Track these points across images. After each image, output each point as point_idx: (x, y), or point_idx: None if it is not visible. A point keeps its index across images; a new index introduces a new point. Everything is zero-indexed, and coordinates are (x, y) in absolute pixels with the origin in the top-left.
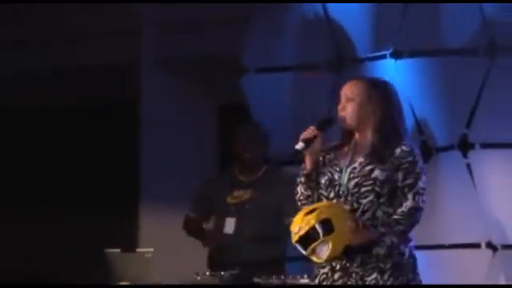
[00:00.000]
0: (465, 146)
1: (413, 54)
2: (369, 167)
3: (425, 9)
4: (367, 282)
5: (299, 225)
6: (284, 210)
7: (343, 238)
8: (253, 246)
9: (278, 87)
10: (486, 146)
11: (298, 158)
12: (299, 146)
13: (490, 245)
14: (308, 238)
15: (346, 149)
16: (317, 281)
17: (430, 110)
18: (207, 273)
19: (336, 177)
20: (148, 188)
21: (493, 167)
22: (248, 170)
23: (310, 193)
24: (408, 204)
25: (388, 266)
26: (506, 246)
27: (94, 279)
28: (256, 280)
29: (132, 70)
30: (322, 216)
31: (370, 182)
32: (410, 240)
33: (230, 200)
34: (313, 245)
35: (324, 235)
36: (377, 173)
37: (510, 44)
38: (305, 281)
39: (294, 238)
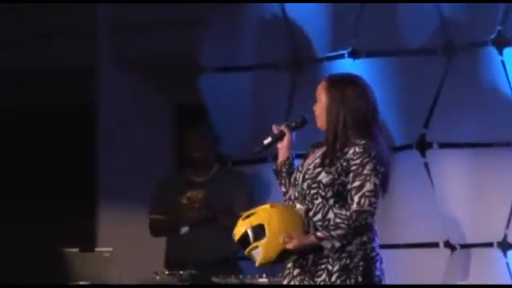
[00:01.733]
0: (423, 146)
1: (370, 53)
2: (317, 170)
3: (383, 9)
4: (317, 283)
5: (237, 228)
6: (236, 208)
7: (275, 243)
8: (207, 246)
9: (236, 87)
10: (443, 145)
11: (260, 155)
12: (266, 140)
13: (448, 244)
14: (244, 242)
15: (318, 148)
16: (281, 275)
17: (387, 109)
18: (166, 272)
19: (297, 176)
20: (106, 187)
21: (450, 167)
22: (200, 169)
23: (284, 189)
24: (353, 207)
25: (336, 268)
26: (464, 246)
27: (53, 279)
28: (214, 279)
29: (89, 70)
30: (256, 222)
31: (315, 185)
32: (364, 243)
33: (183, 201)
34: (247, 249)
35: (255, 241)
36: (321, 176)
37: (468, 44)
38: (263, 280)
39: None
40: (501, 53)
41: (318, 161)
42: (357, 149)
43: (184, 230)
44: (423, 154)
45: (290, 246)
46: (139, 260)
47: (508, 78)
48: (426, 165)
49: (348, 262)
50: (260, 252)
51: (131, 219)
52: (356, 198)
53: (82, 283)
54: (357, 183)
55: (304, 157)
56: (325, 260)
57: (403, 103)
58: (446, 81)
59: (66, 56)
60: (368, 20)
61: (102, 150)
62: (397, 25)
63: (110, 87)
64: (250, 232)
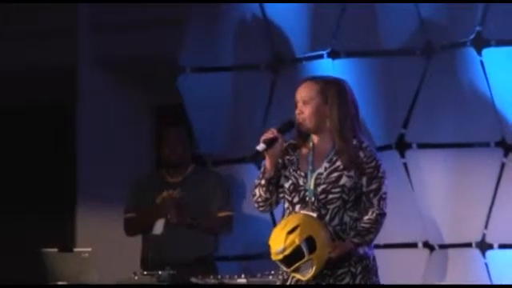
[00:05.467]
0: (402, 146)
1: (350, 54)
2: (335, 174)
3: (362, 9)
4: None
5: (283, 244)
6: (211, 208)
7: (325, 254)
8: (183, 246)
9: (216, 87)
10: (422, 145)
11: (240, 158)
12: (260, 147)
13: (426, 244)
14: (292, 257)
15: (304, 152)
16: (289, 282)
17: (367, 110)
18: (145, 272)
19: (301, 182)
20: (85, 188)
21: (429, 167)
22: (176, 170)
23: (269, 196)
24: (375, 210)
25: (359, 269)
26: (443, 246)
27: (31, 279)
28: (193, 280)
29: (67, 70)
30: (305, 235)
31: (338, 189)
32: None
33: (158, 200)
34: (297, 264)
35: (309, 254)
36: (344, 180)
37: (447, 44)
38: (242, 280)
39: (277, 257)
40: (480, 53)
41: (326, 164)
42: (366, 152)
43: (159, 224)
44: (402, 155)
45: (333, 254)
46: (118, 260)
47: (487, 79)
48: (405, 165)
49: (368, 262)
50: (313, 264)
51: (110, 220)
52: (375, 201)
53: (60, 283)
54: (374, 186)
55: (286, 161)
56: (346, 263)
57: (382, 104)
58: (425, 81)
59: (45, 56)
60: (347, 20)
61: (80, 150)
62: (376, 25)
63: (89, 87)
64: (303, 246)
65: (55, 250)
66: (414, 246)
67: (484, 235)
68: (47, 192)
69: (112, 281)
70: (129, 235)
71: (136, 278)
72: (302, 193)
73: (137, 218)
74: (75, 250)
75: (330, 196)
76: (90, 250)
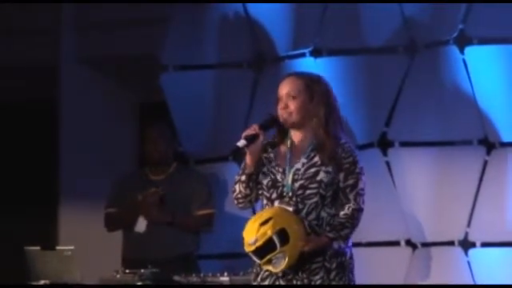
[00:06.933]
0: (384, 144)
1: (332, 52)
2: (313, 169)
3: (345, 8)
4: (313, 282)
5: (255, 235)
6: (194, 207)
7: (297, 246)
8: (164, 244)
9: (198, 86)
10: (405, 144)
11: (235, 156)
12: (241, 143)
13: (409, 243)
14: (264, 249)
15: (283, 149)
16: (259, 278)
17: (349, 108)
18: (127, 271)
19: (279, 178)
20: (68, 186)
21: (412, 165)
22: (158, 168)
23: (249, 192)
24: (351, 206)
25: (334, 265)
26: (425, 244)
27: (14, 277)
28: (176, 278)
29: (51, 68)
30: (278, 226)
31: (315, 184)
32: (350, 241)
33: (141, 198)
34: (269, 256)
35: (282, 246)
36: (322, 175)
37: (430, 42)
38: (224, 279)
39: (250, 248)
40: (462, 51)
41: (304, 160)
42: (345, 147)
43: (141, 221)
44: (385, 153)
45: (307, 248)
46: (100, 259)
47: (469, 77)
48: (388, 163)
49: (343, 259)
50: (285, 257)
51: (93, 218)
52: (351, 196)
53: (43, 282)
54: (350, 181)
55: (264, 158)
56: (321, 258)
57: (365, 102)
58: (408, 79)
59: (28, 54)
60: (330, 19)
61: (63, 148)
62: (359, 24)
63: (72, 86)
64: (275, 237)
65: (38, 248)
66: (396, 244)
67: (466, 233)
68: (30, 190)
69: (94, 279)
70: (109, 230)
71: (118, 276)
72: (280, 188)
73: (117, 214)
74: (58, 248)
75: (308, 191)
76: (72, 248)
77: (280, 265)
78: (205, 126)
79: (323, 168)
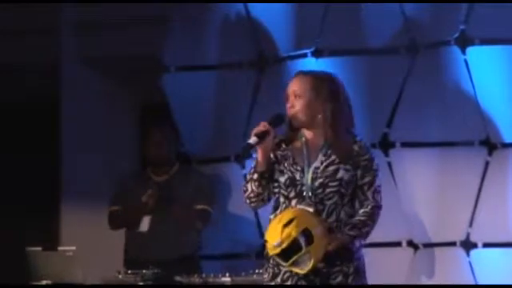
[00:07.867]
0: (386, 145)
1: (333, 52)
2: (332, 167)
3: (346, 8)
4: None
5: (279, 237)
6: (196, 207)
7: (322, 246)
8: (166, 245)
9: (200, 86)
10: (406, 144)
11: (246, 153)
12: (252, 140)
13: (411, 243)
14: (289, 251)
15: (297, 146)
16: (279, 279)
17: None
18: (129, 271)
19: (297, 176)
20: (70, 186)
21: (413, 166)
22: (161, 168)
23: (261, 190)
24: (370, 203)
25: (351, 270)
26: (427, 245)
27: (16, 278)
28: (177, 278)
29: (52, 68)
30: (301, 227)
31: (336, 183)
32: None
33: (144, 199)
34: (295, 257)
35: (306, 246)
36: (342, 173)
37: (431, 43)
38: (226, 279)
39: (275, 250)
40: (464, 52)
41: (322, 158)
42: (360, 144)
43: (145, 221)
44: (386, 154)
45: (331, 247)
46: (102, 259)
47: (471, 77)
48: (389, 164)
49: (358, 263)
50: (311, 257)
51: (94, 218)
52: (369, 194)
53: (44, 282)
54: (368, 178)
55: (279, 156)
56: (339, 262)
57: (366, 102)
58: (409, 80)
59: (30, 54)
60: (332, 19)
61: (65, 149)
62: (360, 24)
63: (74, 86)
64: (300, 238)
65: (39, 248)
66: (398, 244)
67: (468, 234)
68: (31, 191)
69: (96, 279)
70: (112, 229)
71: (120, 276)
72: (299, 187)
73: (121, 212)
74: (59, 248)
75: (328, 190)
76: (74, 248)
77: (306, 265)
78: (207, 126)
79: (342, 166)
